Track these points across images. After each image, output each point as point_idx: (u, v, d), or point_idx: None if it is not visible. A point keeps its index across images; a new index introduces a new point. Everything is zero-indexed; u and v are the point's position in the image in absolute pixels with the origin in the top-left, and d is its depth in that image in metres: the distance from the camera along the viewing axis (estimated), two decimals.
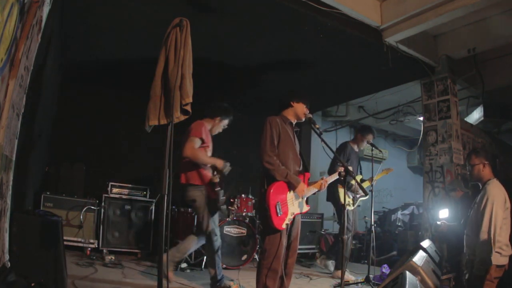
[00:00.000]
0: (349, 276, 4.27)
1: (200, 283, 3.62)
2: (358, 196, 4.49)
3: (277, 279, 2.73)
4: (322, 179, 3.07)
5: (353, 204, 4.40)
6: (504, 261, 2.90)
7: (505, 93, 5.70)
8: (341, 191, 4.36)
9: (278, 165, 2.74)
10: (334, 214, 5.65)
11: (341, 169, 3.25)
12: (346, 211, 2.82)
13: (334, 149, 4.29)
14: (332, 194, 4.43)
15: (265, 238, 2.77)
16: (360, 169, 4.84)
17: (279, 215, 2.68)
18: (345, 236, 2.72)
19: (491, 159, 3.28)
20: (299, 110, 2.99)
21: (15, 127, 2.12)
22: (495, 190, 2.97)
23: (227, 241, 4.63)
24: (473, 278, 3.02)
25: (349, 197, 4.39)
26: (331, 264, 4.59)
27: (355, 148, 4.65)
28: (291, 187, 2.81)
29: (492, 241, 2.85)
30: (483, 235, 2.90)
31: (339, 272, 4.35)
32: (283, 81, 5.60)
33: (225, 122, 3.68)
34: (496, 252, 2.87)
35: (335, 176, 3.31)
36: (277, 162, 2.75)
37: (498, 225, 2.87)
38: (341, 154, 4.35)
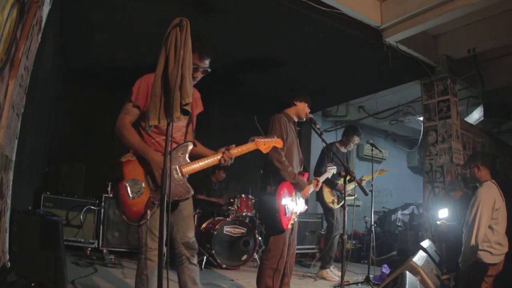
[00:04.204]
0: (333, 276, 4.27)
1: (200, 283, 3.62)
2: (343, 195, 4.45)
3: (279, 279, 2.73)
4: (315, 179, 3.11)
5: (338, 203, 4.40)
6: (496, 259, 3.00)
7: (505, 93, 5.70)
8: (325, 190, 4.39)
9: (287, 165, 2.73)
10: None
11: (328, 169, 3.44)
12: (345, 210, 2.79)
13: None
14: (318, 193, 4.43)
15: (269, 238, 2.75)
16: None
17: (287, 216, 2.69)
18: (345, 236, 2.73)
19: (491, 160, 3.37)
20: (302, 109, 2.99)
21: (15, 127, 2.12)
22: (484, 192, 3.13)
23: (227, 241, 4.64)
24: (461, 276, 3.23)
25: (333, 195, 4.40)
26: (329, 271, 4.43)
27: (342, 149, 4.62)
28: (298, 188, 2.82)
29: (473, 240, 3.01)
30: (468, 235, 3.09)
31: (323, 272, 4.35)
32: (283, 80, 5.60)
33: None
34: (486, 251, 2.99)
35: (326, 175, 3.41)
36: (286, 162, 2.73)
37: (483, 225, 3.01)
38: (326, 157, 4.34)
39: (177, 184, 2.09)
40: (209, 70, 2.26)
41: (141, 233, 2.05)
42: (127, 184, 2.02)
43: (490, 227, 3.05)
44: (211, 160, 2.19)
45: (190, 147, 2.19)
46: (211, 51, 2.23)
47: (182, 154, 2.15)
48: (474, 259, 3.04)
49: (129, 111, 2.12)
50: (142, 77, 2.16)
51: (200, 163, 2.17)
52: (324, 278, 4.27)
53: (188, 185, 2.13)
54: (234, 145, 2.28)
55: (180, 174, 2.10)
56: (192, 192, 2.15)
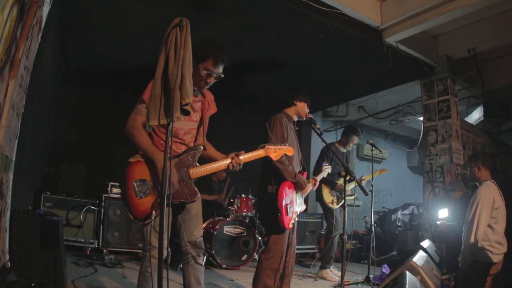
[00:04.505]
0: (333, 276, 4.27)
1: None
2: (343, 195, 4.47)
3: (278, 279, 2.73)
4: (313, 178, 3.12)
5: (337, 203, 4.41)
6: (496, 258, 3.02)
7: (505, 93, 5.69)
8: (325, 190, 4.40)
9: (288, 165, 2.73)
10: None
11: (323, 168, 3.48)
12: (345, 210, 2.80)
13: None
14: (318, 193, 4.45)
15: (269, 238, 2.75)
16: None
17: (288, 215, 2.70)
18: (345, 236, 2.73)
19: (491, 160, 3.40)
20: (302, 109, 2.99)
21: (15, 127, 2.12)
22: (484, 191, 3.16)
23: (227, 241, 4.64)
24: (460, 274, 3.25)
25: (333, 195, 4.40)
26: (329, 271, 4.44)
27: (341, 149, 4.64)
28: (299, 187, 2.82)
29: (473, 238, 3.03)
30: (467, 234, 3.11)
31: (323, 272, 4.35)
32: (283, 80, 5.60)
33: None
34: (485, 250, 3.01)
35: (322, 174, 3.43)
36: (287, 162, 2.74)
37: (482, 224, 3.03)
38: (325, 157, 4.35)
39: (183, 186, 2.12)
40: (223, 76, 2.25)
41: (146, 231, 2.07)
42: (135, 184, 2.06)
43: (489, 226, 3.07)
44: (219, 164, 2.22)
45: (200, 150, 2.21)
46: (226, 57, 2.19)
47: (191, 157, 2.17)
48: (474, 257, 3.06)
49: (141, 111, 2.10)
50: None
51: (208, 167, 2.20)
52: (324, 278, 4.28)
53: (195, 188, 2.15)
54: (243, 151, 2.29)
55: (187, 177, 2.13)
56: (199, 195, 2.17)
